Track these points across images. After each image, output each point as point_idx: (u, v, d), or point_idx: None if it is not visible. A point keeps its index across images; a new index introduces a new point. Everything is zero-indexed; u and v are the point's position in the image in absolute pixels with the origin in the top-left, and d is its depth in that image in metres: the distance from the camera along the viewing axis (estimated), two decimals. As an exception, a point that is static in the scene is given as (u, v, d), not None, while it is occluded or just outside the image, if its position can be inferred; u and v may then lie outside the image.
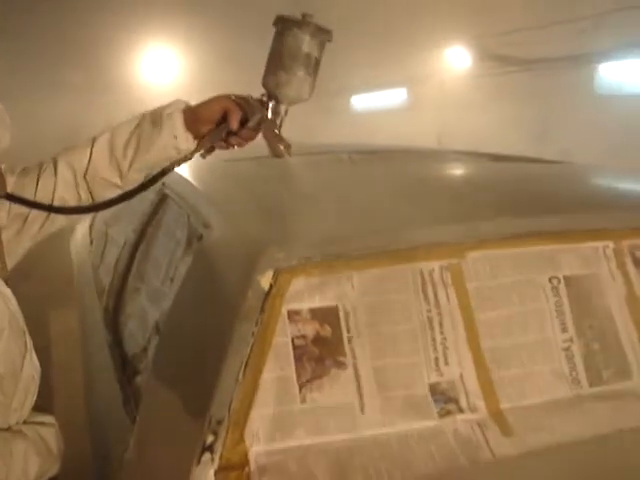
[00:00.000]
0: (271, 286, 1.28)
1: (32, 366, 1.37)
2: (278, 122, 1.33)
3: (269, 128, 1.32)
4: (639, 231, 1.58)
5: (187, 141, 1.31)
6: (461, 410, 1.31)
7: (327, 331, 1.30)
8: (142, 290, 2.07)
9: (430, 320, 1.35)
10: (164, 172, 1.33)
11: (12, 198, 1.26)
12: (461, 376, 1.33)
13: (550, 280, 1.45)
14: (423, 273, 1.38)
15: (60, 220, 1.38)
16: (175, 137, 1.29)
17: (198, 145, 1.32)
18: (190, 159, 1.34)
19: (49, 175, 1.34)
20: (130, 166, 1.33)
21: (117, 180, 1.35)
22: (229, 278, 1.40)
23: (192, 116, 1.31)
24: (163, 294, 1.79)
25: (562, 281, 1.46)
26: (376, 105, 9.02)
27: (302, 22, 1.29)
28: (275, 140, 1.34)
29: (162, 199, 2.19)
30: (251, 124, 1.30)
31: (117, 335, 2.09)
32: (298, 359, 1.27)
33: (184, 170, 2.25)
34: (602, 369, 1.42)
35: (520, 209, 1.61)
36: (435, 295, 1.38)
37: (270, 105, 1.32)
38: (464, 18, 6.33)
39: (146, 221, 2.26)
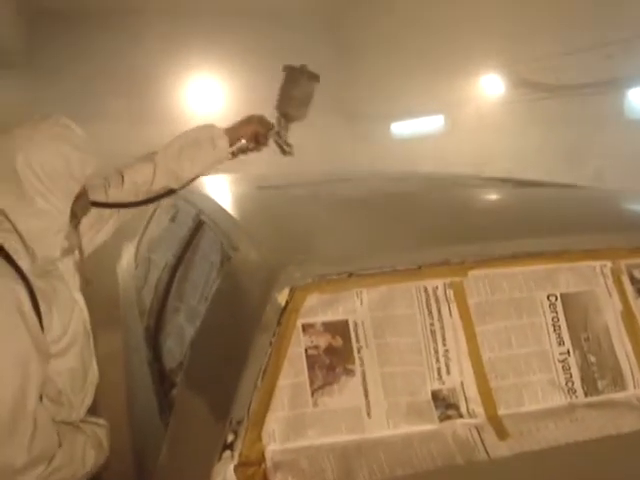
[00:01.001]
0: (287, 302, 1.42)
1: (94, 371, 1.61)
2: (285, 133, 1.96)
3: (280, 138, 1.96)
4: (637, 251, 1.66)
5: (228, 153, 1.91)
6: (461, 415, 1.41)
7: (338, 342, 1.43)
8: (181, 309, 2.22)
9: (433, 333, 1.47)
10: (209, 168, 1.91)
11: (99, 204, 1.63)
12: (462, 384, 1.44)
13: (548, 297, 1.56)
14: (427, 290, 1.50)
15: (122, 218, 1.79)
16: (226, 151, 1.88)
17: (233, 155, 1.93)
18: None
19: (116, 186, 1.75)
20: (188, 174, 1.84)
21: (175, 186, 1.85)
22: (251, 295, 1.54)
23: (232, 135, 1.91)
24: (199, 313, 1.94)
25: (559, 298, 1.56)
26: (415, 131, 9.15)
27: (303, 70, 1.90)
28: (284, 145, 1.96)
29: (199, 225, 2.37)
30: (269, 136, 1.95)
31: (157, 352, 2.26)
32: (311, 367, 1.40)
33: (220, 198, 2.43)
34: (598, 379, 1.51)
35: (522, 231, 1.72)
36: (438, 310, 1.49)
37: (281, 123, 1.95)
38: (496, 46, 6.43)
39: (185, 245, 2.44)
